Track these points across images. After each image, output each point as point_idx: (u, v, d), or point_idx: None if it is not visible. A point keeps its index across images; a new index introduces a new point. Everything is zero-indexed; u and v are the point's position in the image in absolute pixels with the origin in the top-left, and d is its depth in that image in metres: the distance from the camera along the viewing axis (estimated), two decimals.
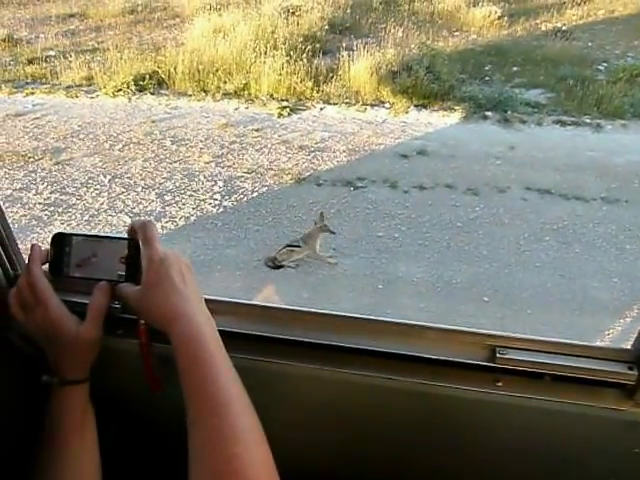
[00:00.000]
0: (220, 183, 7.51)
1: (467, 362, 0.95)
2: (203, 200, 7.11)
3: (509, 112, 8.75)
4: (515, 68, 9.69)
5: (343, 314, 1.06)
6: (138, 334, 0.96)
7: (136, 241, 0.93)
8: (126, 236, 0.95)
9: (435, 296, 5.26)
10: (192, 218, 6.70)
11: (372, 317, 1.04)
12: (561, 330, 4.44)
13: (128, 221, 6.61)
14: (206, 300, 0.92)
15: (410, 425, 1.00)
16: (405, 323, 1.02)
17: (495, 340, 0.95)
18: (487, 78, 9.57)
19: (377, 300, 5.18)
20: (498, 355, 0.93)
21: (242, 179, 7.64)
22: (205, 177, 7.72)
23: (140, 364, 0.96)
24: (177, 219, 6.64)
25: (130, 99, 9.78)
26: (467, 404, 0.94)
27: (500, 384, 0.94)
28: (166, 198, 7.14)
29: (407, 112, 8.81)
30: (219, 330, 0.87)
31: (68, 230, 6.02)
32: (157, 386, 0.98)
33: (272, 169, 7.90)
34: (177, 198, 7.15)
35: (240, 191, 7.29)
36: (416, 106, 8.85)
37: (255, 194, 7.24)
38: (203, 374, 0.78)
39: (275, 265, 5.70)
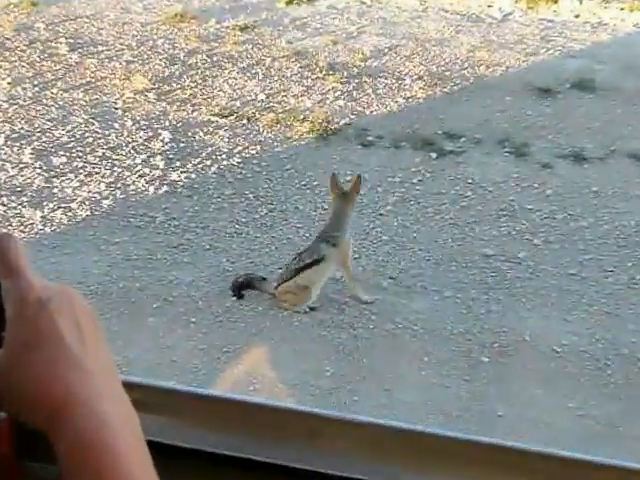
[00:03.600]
0: (165, 135, 7.57)
1: None
2: (129, 168, 7.17)
3: None
4: None
5: (373, 421, 1.15)
6: None
7: None
8: None
9: (603, 386, 5.16)
10: (106, 203, 6.75)
11: (437, 431, 1.13)
12: None
13: None
14: (127, 384, 0.97)
15: None
16: (521, 449, 1.11)
17: None
18: None
19: (478, 390, 5.11)
20: None
21: (210, 128, 7.71)
22: (135, 122, 7.80)
23: None
24: (75, 204, 6.70)
25: None
26: None
27: None
28: (55, 161, 7.22)
29: (555, 0, 8.91)
30: (149, 441, 0.91)
31: None
32: None
33: (272, 109, 7.97)
34: (78, 162, 7.22)
35: (205, 152, 7.36)
36: None
37: (235, 160, 7.29)
38: None
39: (238, 292, 5.81)
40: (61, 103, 7.99)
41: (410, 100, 7.97)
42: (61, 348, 0.91)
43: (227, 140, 7.51)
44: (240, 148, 7.42)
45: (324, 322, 5.69)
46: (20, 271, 0.97)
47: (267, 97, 8.07)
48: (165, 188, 6.95)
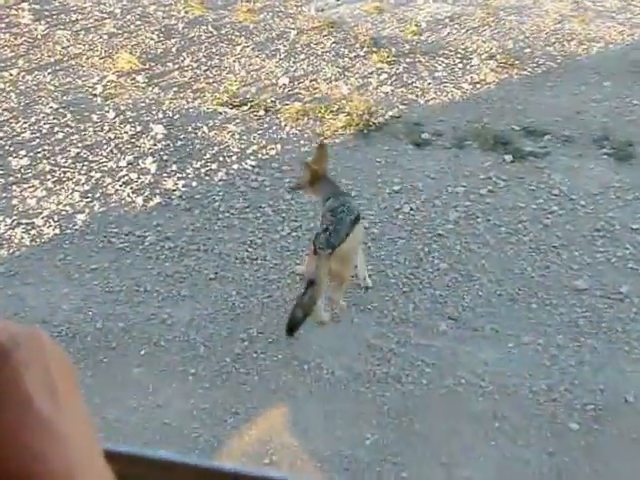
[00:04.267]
0: (158, 129, 7.65)
1: None
2: (111, 172, 7.22)
3: None
4: None
5: None
6: None
7: None
8: None
9: None
10: (80, 219, 6.79)
11: None
12: None
13: None
14: (108, 453, 0.99)
15: None
16: None
17: None
18: None
19: (565, 467, 4.98)
20: None
21: (216, 121, 7.78)
22: (119, 112, 7.89)
23: None
24: (40, 220, 6.72)
25: None
26: None
27: None
28: (15, 164, 7.30)
29: None
30: None
31: None
32: None
33: (298, 97, 8.08)
34: (44, 165, 7.30)
35: (209, 153, 7.40)
36: None
37: (249, 163, 7.32)
38: None
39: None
40: (23, 88, 8.05)
41: (478, 86, 7.97)
42: (29, 409, 0.92)
43: (238, 137, 7.52)
44: (255, 147, 7.43)
45: (362, 375, 5.64)
46: None
47: (291, 81, 8.11)
48: (157, 199, 6.97)
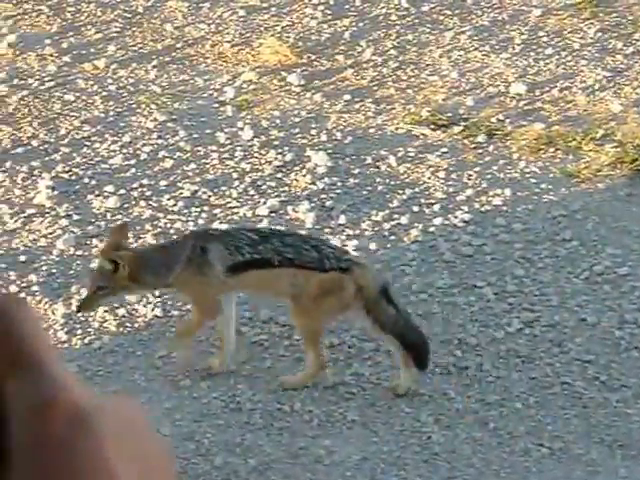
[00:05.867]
0: (319, 159, 7.69)
1: None
2: (245, 223, 7.27)
3: None
4: None
5: None
6: None
7: None
8: None
9: None
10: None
11: None
12: None
13: None
14: None
15: None
16: None
17: None
18: None
19: None
20: None
21: (410, 149, 7.82)
22: (260, 129, 7.95)
23: None
24: (131, 296, 6.78)
25: None
26: None
27: None
28: (95, 206, 7.51)
29: None
30: None
31: None
32: None
33: (538, 114, 8.02)
34: (134, 206, 7.46)
35: (396, 200, 7.47)
36: None
37: (460, 217, 7.35)
38: None
39: None
40: (113, 88, 8.32)
41: None
42: None
43: (444, 175, 7.61)
44: (470, 192, 7.52)
45: None
46: (39, 358, 0.97)
47: (530, 90, 8.18)
48: None
